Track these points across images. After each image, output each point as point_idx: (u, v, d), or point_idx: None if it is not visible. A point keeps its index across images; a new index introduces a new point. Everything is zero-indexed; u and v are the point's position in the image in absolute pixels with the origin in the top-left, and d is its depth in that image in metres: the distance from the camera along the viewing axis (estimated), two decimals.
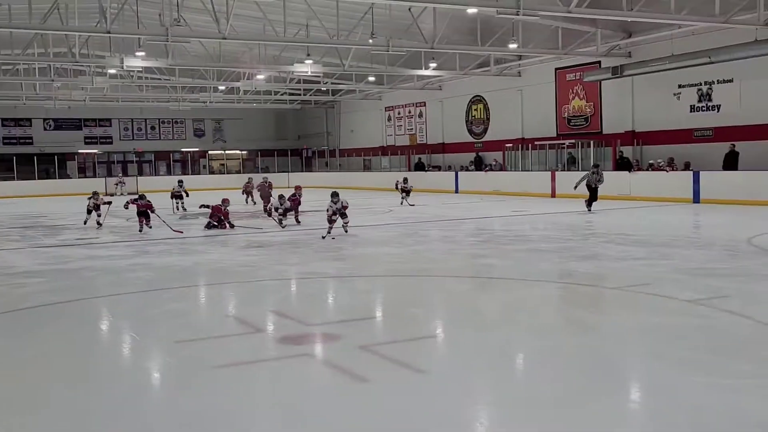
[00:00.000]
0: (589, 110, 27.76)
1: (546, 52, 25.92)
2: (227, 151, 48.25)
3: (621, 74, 23.88)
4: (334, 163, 44.27)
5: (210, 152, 47.98)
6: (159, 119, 46.90)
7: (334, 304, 8.69)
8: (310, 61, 27.33)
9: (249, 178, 26.85)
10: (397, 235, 14.23)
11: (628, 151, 25.29)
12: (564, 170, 26.91)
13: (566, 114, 28.74)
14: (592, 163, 20.12)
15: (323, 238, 13.95)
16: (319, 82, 35.96)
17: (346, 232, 14.46)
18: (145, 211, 16.43)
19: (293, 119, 49.63)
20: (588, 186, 19.10)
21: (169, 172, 43.67)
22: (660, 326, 6.81)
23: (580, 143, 27.11)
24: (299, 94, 40.73)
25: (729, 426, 4.31)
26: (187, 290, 9.50)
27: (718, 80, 22.77)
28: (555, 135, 28.99)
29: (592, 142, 26.50)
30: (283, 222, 16.51)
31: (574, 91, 28.23)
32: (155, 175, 43.83)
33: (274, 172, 42.78)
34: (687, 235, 13.85)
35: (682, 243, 12.30)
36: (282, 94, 40.88)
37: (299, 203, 17.50)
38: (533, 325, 7.05)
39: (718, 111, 22.94)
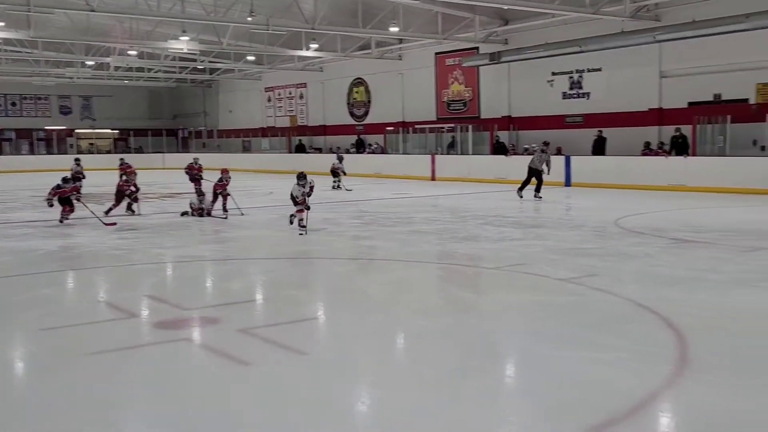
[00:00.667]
0: (467, 95, 28.34)
1: (426, 37, 26.19)
2: (97, 130, 46.02)
3: (498, 60, 24.48)
4: (212, 144, 43.16)
5: (77, 131, 45.59)
6: (20, 95, 44.15)
7: (212, 287, 8.44)
8: (186, 38, 26.43)
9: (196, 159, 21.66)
10: (278, 218, 14.01)
11: (504, 136, 26.02)
12: (444, 154, 27.38)
13: (446, 98, 29.22)
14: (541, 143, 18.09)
15: (302, 234, 11.77)
16: (195, 60, 34.89)
17: (303, 228, 11.95)
18: (68, 198, 13.68)
19: (168, 98, 47.99)
20: (529, 168, 17.74)
21: (31, 152, 41.24)
22: (536, 304, 7.02)
23: (459, 127, 27.63)
24: (175, 72, 39.38)
25: (599, 397, 4.46)
26: (53, 275, 8.97)
27: (588, 69, 23.76)
28: (435, 119, 29.43)
29: (470, 127, 27.07)
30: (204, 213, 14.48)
31: (454, 75, 28.72)
32: (17, 154, 41.23)
33: (148, 152, 41.29)
34: (560, 217, 14.37)
35: (556, 224, 12.75)
36: (156, 72, 39.37)
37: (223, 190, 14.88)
38: (414, 305, 7.09)
39: (588, 98, 23.96)
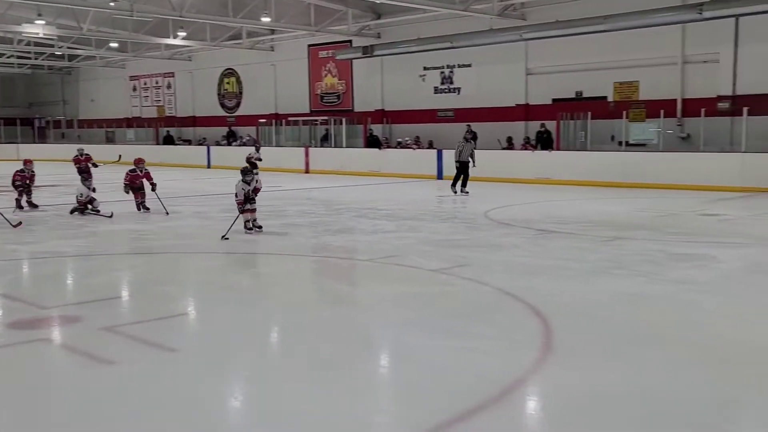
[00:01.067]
0: (341, 88, 28.35)
1: (298, 28, 25.96)
2: None
3: (371, 54, 24.60)
4: (72, 135, 40.93)
5: None
6: None
7: (73, 284, 8.02)
8: (42, 22, 24.96)
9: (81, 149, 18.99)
10: (146, 211, 13.48)
11: (378, 129, 26.22)
12: (318, 146, 27.27)
13: (319, 91, 29.11)
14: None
15: (224, 238, 10.21)
16: (53, 46, 32.99)
17: (254, 229, 10.85)
18: None
19: (23, 85, 45.07)
20: (459, 162, 16.94)
21: None
22: (408, 295, 7.09)
23: (333, 120, 27.60)
24: (30, 58, 37.07)
25: (470, 384, 4.55)
26: None
27: (458, 64, 24.32)
28: (308, 111, 29.26)
29: (344, 120, 27.10)
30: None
31: (327, 68, 28.65)
32: None
33: (1, 143, 38.73)
34: (432, 209, 14.62)
35: (428, 217, 12.95)
36: (9, 57, 36.91)
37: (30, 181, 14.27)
38: (288, 298, 7.01)
39: (458, 93, 24.53)
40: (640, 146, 19.58)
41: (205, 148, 31.09)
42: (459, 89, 24.52)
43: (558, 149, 20.65)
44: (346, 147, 26.21)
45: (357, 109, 27.65)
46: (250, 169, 10.97)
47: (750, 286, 7.30)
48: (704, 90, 18.89)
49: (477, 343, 5.44)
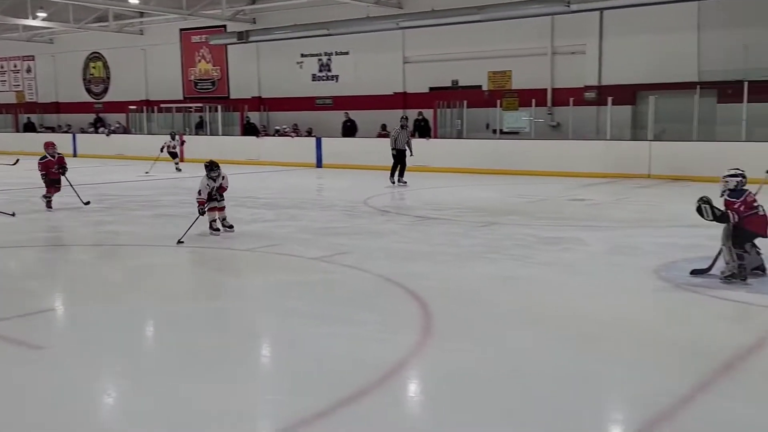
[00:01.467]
0: (216, 74, 27.71)
1: (169, 11, 25.10)
2: None
3: (246, 40, 24.16)
4: None
5: None
6: None
7: None
8: None
9: None
10: (4, 202, 12.71)
11: (255, 117, 25.82)
12: (192, 134, 26.52)
13: (193, 77, 28.33)
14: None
15: (180, 242, 8.91)
16: None
17: (223, 229, 9.65)
18: None
19: None
20: (396, 150, 16.26)
21: None
22: (289, 283, 7.05)
23: (208, 107, 26.93)
24: None
25: (351, 370, 4.58)
26: None
27: (336, 52, 24.29)
28: (182, 98, 28.42)
29: (219, 107, 26.49)
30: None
31: (201, 54, 27.91)
32: None
33: None
34: (312, 197, 14.57)
35: (308, 205, 12.90)
36: None
37: None
38: (163, 291, 6.81)
39: (336, 81, 24.51)
40: (513, 134, 20.25)
41: (70, 135, 29.57)
42: (337, 77, 24.50)
43: (435, 137, 21.04)
44: (223, 135, 25.66)
45: (233, 96, 27.10)
46: (215, 165, 9.58)
47: (613, 266, 7.71)
48: (572, 80, 19.74)
49: (358, 329, 5.47)
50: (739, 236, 6.58)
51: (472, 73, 21.46)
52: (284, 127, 24.41)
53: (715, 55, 17.40)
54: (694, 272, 6.84)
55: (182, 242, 8.87)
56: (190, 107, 27.56)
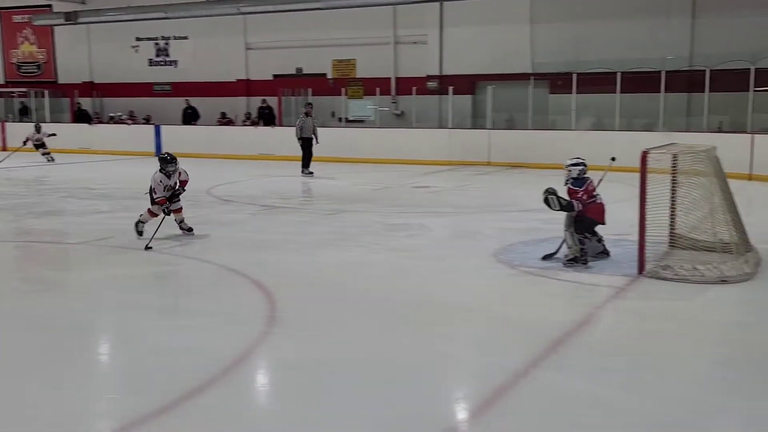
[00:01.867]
0: (41, 57, 25.94)
1: None
2: None
3: (75, 21, 22.74)
4: None
5: None
6: None
7: None
8: None
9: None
10: None
11: (87, 103, 24.44)
12: (16, 121, 24.69)
13: (15, 59, 26.38)
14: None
15: (148, 248, 7.66)
16: None
17: (186, 231, 8.46)
18: None
19: None
20: (302, 139, 15.54)
21: None
22: (127, 277, 6.73)
23: (33, 92, 25.18)
24: None
25: (194, 363, 4.43)
26: None
27: (174, 36, 23.42)
28: (3, 82, 26.41)
29: (46, 92, 24.84)
30: None
31: (24, 35, 26.01)
32: None
33: None
34: (144, 187, 13.95)
35: (146, 196, 12.33)
36: None
37: None
38: None
39: (175, 66, 23.64)
40: (358, 122, 20.40)
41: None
42: (176, 62, 23.64)
43: (280, 125, 20.81)
44: (51, 122, 24.05)
45: (61, 80, 25.48)
46: (171, 158, 8.49)
47: (455, 250, 7.93)
48: (415, 69, 20.11)
49: (200, 321, 5.32)
50: (581, 223, 6.94)
51: (316, 61, 21.37)
52: (119, 114, 23.26)
53: (546, 48, 18.31)
54: (545, 257, 7.11)
55: (151, 248, 7.67)
56: (13, 92, 25.65)
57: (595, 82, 17.19)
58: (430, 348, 4.79)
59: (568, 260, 6.90)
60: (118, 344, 5.04)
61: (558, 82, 17.84)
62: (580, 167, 7.05)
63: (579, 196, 6.92)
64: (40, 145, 19.11)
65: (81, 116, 23.55)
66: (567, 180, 7.08)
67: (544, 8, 18.29)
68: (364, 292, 6.19)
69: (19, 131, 23.27)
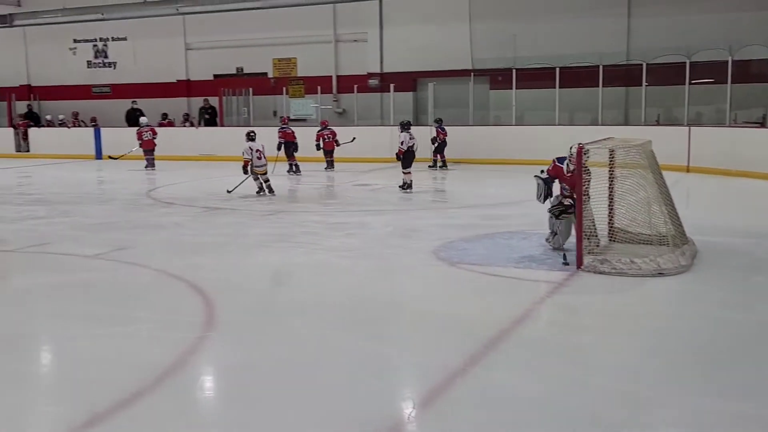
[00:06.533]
0: None
1: None
2: None
3: (11, 24, 22.26)
4: None
5: None
6: None
7: None
8: None
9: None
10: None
11: (23, 107, 23.83)
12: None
13: None
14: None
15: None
16: None
17: (269, 191, 11.53)
18: None
19: None
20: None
21: None
22: (59, 284, 6.58)
23: None
24: None
25: (129, 371, 4.34)
26: None
27: (113, 37, 23.00)
28: None
29: None
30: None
31: None
32: None
33: None
34: (90, 191, 13.73)
35: (85, 199, 12.14)
36: None
37: None
38: None
39: (114, 68, 23.22)
40: (300, 121, 20.29)
41: None
42: (115, 64, 23.23)
43: (222, 125, 20.61)
44: None
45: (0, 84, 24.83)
46: (254, 134, 11.99)
47: (395, 248, 7.94)
48: (356, 67, 20.14)
49: (136, 328, 5.24)
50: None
51: (257, 60, 21.24)
52: (61, 117, 22.73)
53: (486, 44, 18.50)
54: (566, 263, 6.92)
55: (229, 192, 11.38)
56: None
57: (535, 77, 17.45)
58: (369, 348, 4.80)
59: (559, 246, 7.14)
60: (49, 354, 4.94)
61: (498, 77, 18.05)
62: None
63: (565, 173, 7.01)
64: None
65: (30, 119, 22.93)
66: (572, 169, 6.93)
67: (483, 5, 18.50)
68: (301, 293, 6.17)
69: None
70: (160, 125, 21.09)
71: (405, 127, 12.64)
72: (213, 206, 11.05)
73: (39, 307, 5.89)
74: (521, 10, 18.12)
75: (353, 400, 3.96)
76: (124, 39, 22.85)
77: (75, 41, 23.44)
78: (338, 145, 16.04)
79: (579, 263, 6.56)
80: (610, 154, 6.96)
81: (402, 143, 12.36)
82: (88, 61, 23.54)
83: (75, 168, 18.06)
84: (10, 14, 22.37)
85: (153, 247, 8.07)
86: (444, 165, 16.15)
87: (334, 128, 16.54)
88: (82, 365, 4.52)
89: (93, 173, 17.45)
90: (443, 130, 16.05)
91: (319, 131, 16.33)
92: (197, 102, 21.73)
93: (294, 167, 15.70)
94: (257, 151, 11.64)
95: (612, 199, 7.25)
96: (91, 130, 21.09)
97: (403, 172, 12.15)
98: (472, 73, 18.25)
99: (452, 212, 10.06)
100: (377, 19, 19.68)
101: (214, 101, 21.14)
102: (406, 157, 12.24)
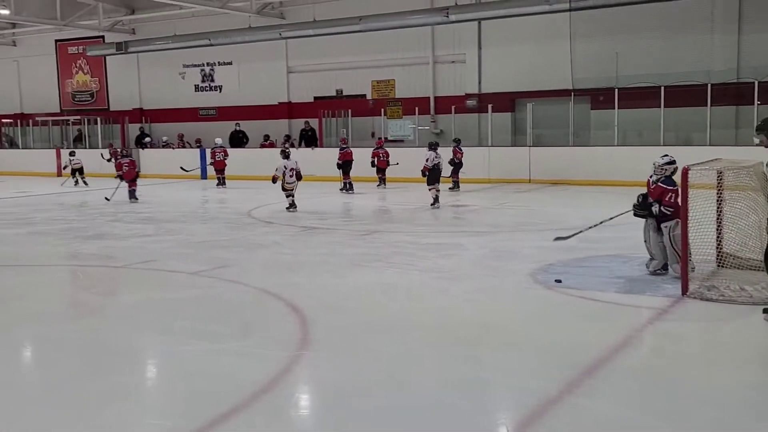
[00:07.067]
0: (94, 86, 26.70)
1: (43, 22, 24.00)
2: None
3: (126, 51, 23.43)
4: None
5: None
6: None
7: None
8: None
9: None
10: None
11: (135, 129, 25.05)
12: (70, 147, 25.42)
13: (70, 89, 27.20)
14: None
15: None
16: None
17: (291, 205, 12.65)
18: None
19: None
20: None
21: None
22: (165, 300, 6.83)
23: (86, 120, 25.92)
24: None
25: (227, 386, 4.44)
26: None
27: (219, 62, 23.88)
28: (59, 111, 27.24)
29: (99, 119, 25.54)
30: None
31: (78, 65, 26.83)
32: None
33: None
34: (194, 210, 14.22)
35: (189, 218, 12.58)
36: None
37: None
38: (29, 311, 6.44)
39: (220, 91, 24.10)
40: (398, 142, 20.46)
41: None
42: (221, 87, 24.10)
43: (321, 146, 20.99)
44: (103, 148, 24.68)
45: (113, 107, 26.18)
46: (288, 153, 13.26)
47: (491, 270, 7.84)
48: (454, 88, 20.14)
49: (235, 344, 5.37)
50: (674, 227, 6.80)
51: (356, 82, 21.56)
52: (164, 138, 23.75)
53: (587, 64, 18.15)
54: (558, 239, 7.05)
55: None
56: (68, 120, 26.45)
57: (639, 96, 16.97)
58: (463, 371, 4.74)
59: (656, 270, 6.82)
60: (154, 368, 5.12)
61: (600, 97, 17.65)
62: (675, 165, 6.90)
63: (669, 197, 6.78)
64: (77, 170, 19.78)
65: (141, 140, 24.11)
66: (658, 179, 6.91)
67: (584, 24, 18.14)
68: (396, 314, 6.17)
69: (78, 157, 23.90)
70: (262, 146, 21.73)
71: (432, 146, 13.63)
72: (311, 226, 11.25)
73: (145, 322, 6.10)
74: (624, 27, 17.67)
75: (445, 423, 3.92)
76: (230, 63, 23.69)
77: (184, 66, 24.48)
78: (388, 165, 16.91)
79: (684, 289, 6.30)
80: (718, 176, 6.66)
81: (428, 160, 13.27)
82: (195, 85, 24.52)
83: (180, 187, 18.77)
84: (125, 41, 23.59)
85: (253, 266, 8.27)
86: (456, 186, 16.03)
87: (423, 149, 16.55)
88: (184, 379, 4.66)
89: (198, 192, 18.07)
90: (461, 150, 16.13)
91: (374, 150, 17.10)
92: (297, 123, 22.24)
93: (347, 185, 16.53)
94: (291, 169, 12.60)
95: (720, 222, 6.94)
96: (197, 150, 21.88)
97: (429, 188, 13.07)
98: (572, 93, 17.93)
99: (551, 234, 9.85)
100: (476, 40, 19.64)
101: (312, 123, 21.58)
102: (432, 174, 13.19)
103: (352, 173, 16.83)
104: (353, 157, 16.92)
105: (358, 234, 10.29)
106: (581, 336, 5.47)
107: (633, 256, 7.73)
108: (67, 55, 26.98)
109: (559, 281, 6.87)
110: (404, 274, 7.60)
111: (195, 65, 24.31)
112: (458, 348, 5.20)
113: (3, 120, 27.88)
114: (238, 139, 22.76)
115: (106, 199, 14.57)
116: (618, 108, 16.94)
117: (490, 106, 18.46)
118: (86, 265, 8.84)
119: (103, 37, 24.98)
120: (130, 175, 15.54)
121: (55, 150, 24.76)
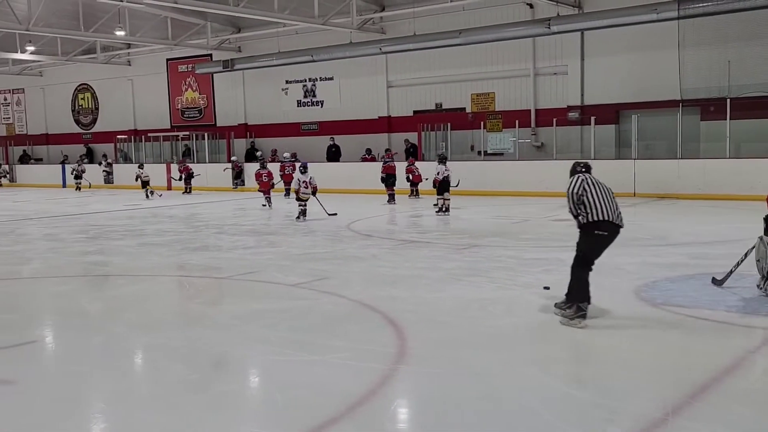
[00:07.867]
0: (202, 102, 27.77)
1: (155, 42, 25.22)
2: None
3: (232, 68, 24.27)
4: None
5: None
6: None
7: None
8: None
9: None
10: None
11: (241, 144, 25.82)
12: (180, 162, 26.47)
13: (180, 105, 28.39)
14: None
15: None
16: None
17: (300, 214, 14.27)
18: None
19: None
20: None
21: None
22: (265, 311, 6.97)
23: (194, 135, 26.97)
24: None
25: (324, 398, 4.49)
26: None
27: (320, 78, 24.38)
28: (169, 127, 28.46)
29: (206, 135, 26.53)
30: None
31: (187, 83, 28.00)
32: None
33: None
34: (294, 223, 14.49)
35: (290, 231, 12.84)
36: None
37: None
38: (141, 321, 6.71)
39: (321, 106, 24.58)
40: (498, 155, 20.28)
41: (60, 166, 29.48)
42: (322, 102, 24.58)
43: (420, 160, 21.03)
44: (210, 162, 25.62)
45: (219, 123, 27.16)
46: (305, 167, 14.55)
47: (594, 286, 7.59)
48: (555, 101, 19.83)
49: (332, 356, 5.40)
50: None
51: (455, 95, 21.55)
52: (258, 153, 24.32)
53: (696, 73, 17.48)
54: (715, 282, 6.97)
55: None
56: (178, 135, 27.59)
57: (752, 106, 16.22)
58: (563, 389, 4.62)
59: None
60: (254, 377, 5.22)
61: (710, 108, 16.96)
62: None
63: None
64: (146, 183, 21.09)
65: (251, 156, 24.81)
66: None
67: (693, 32, 17.48)
68: (495, 329, 6.08)
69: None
70: (363, 160, 21.98)
71: (442, 159, 14.96)
72: (409, 239, 11.27)
73: (245, 332, 6.25)
74: (735, 34, 16.93)
75: None
76: (331, 78, 24.15)
77: (287, 82, 25.14)
78: (421, 181, 17.94)
79: None
80: None
81: (438, 173, 14.61)
82: (297, 101, 25.12)
83: (281, 200, 19.19)
84: (231, 59, 24.44)
85: (351, 278, 8.34)
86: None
87: (531, 162, 16.36)
88: (281, 390, 4.72)
89: (295, 205, 18.39)
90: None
91: (407, 167, 18.10)
92: (396, 137, 22.39)
93: (391, 198, 17.42)
94: (304, 182, 14.21)
95: None
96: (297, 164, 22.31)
97: (438, 197, 14.55)
98: (680, 104, 17.30)
99: (656, 250, 9.52)
100: (578, 51, 19.28)
101: (412, 136, 21.67)
102: (442, 185, 14.54)
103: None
104: (395, 171, 18.02)
105: (457, 248, 10.23)
106: (687, 356, 5.24)
107: (746, 273, 7.34)
108: (177, 73, 28.19)
109: (547, 288, 6.95)
110: (504, 290, 7.50)
111: (297, 81, 24.90)
112: (558, 365, 5.08)
113: (118, 136, 29.35)
114: (332, 154, 23.12)
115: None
116: (730, 119, 16.22)
117: (593, 118, 18.05)
118: (192, 275, 9.14)
119: (210, 55, 25.97)
120: (265, 185, 17.33)
121: (165, 165, 25.84)
